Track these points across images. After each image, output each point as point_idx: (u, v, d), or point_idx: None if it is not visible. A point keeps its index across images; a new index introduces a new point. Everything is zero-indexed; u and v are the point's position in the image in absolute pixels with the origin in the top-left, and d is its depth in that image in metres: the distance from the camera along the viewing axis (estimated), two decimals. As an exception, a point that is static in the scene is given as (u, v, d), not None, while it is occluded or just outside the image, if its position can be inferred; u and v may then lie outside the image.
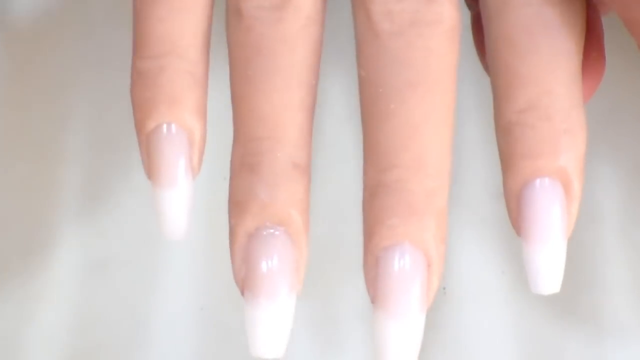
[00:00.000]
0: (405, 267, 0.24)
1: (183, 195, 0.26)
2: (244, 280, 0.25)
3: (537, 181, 0.25)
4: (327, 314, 0.36)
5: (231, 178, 0.26)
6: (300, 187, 0.25)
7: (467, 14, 0.29)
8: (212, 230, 0.36)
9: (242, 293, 0.25)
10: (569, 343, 0.36)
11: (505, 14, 0.26)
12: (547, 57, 0.25)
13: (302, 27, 0.26)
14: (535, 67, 0.25)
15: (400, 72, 0.25)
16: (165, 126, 0.26)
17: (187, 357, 0.37)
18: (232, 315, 0.37)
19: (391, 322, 0.24)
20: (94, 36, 0.39)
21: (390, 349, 0.25)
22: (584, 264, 0.36)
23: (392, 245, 0.25)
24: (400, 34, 0.25)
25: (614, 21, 0.28)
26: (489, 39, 0.26)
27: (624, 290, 0.36)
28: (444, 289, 0.36)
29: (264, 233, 0.25)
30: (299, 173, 0.25)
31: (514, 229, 0.26)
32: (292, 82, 0.26)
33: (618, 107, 0.36)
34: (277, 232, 0.25)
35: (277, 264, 0.25)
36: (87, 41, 0.39)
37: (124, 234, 0.38)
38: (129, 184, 0.38)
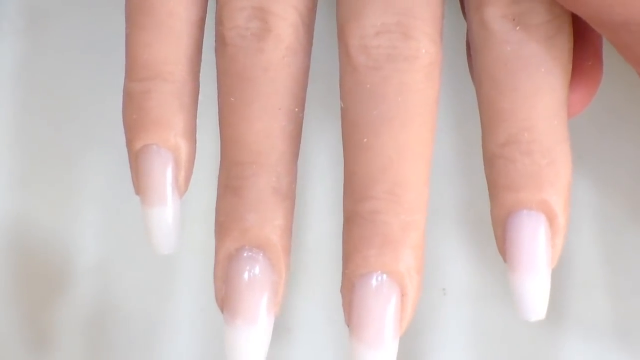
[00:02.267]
0: (379, 295, 0.25)
1: (169, 213, 0.27)
2: (223, 300, 0.26)
3: (523, 212, 0.26)
4: (320, 307, 0.37)
5: (217, 199, 0.26)
6: (280, 211, 0.26)
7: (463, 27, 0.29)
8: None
9: (222, 312, 0.26)
10: (568, 343, 0.36)
11: (487, 50, 0.26)
12: (528, 94, 0.26)
13: (283, 57, 0.26)
14: (516, 103, 0.26)
15: (375, 106, 0.25)
16: (153, 147, 0.27)
17: (187, 357, 0.37)
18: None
19: (364, 348, 0.25)
20: (98, 33, 0.39)
21: None
22: (581, 264, 0.36)
23: (367, 273, 0.25)
24: (376, 69, 0.25)
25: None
26: (474, 71, 0.27)
27: (618, 292, 0.36)
28: (444, 289, 0.36)
29: (244, 255, 0.26)
30: (279, 198, 0.26)
31: (501, 255, 0.26)
32: (273, 110, 0.26)
33: (615, 107, 0.36)
34: (256, 255, 0.26)
35: (255, 286, 0.25)
36: (89, 38, 0.39)
37: (125, 235, 0.38)
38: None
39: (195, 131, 0.28)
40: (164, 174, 0.27)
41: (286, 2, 0.26)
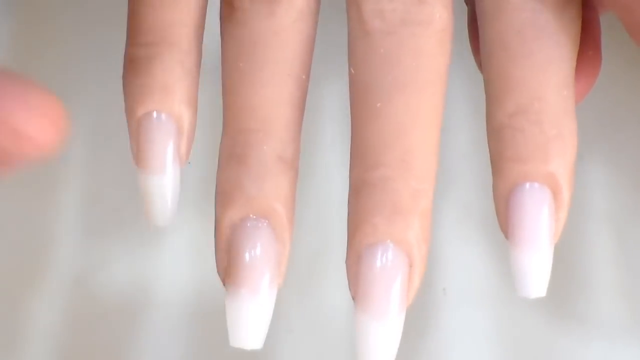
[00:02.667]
0: (387, 265, 0.24)
1: (169, 182, 0.26)
2: (226, 270, 0.25)
3: (526, 185, 0.25)
4: (321, 309, 0.37)
5: (219, 168, 0.26)
6: (285, 181, 0.25)
7: (463, 11, 0.29)
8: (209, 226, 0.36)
9: (224, 283, 0.25)
10: (569, 343, 0.36)
11: (500, 17, 0.26)
12: (540, 63, 0.25)
13: (294, 22, 0.26)
14: (527, 71, 0.25)
15: (389, 71, 0.25)
16: (154, 114, 0.26)
17: (184, 356, 0.37)
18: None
19: (370, 320, 0.25)
20: (96, 34, 0.39)
21: (369, 347, 0.25)
22: (584, 264, 0.36)
23: (375, 243, 0.25)
24: (391, 33, 0.25)
25: (613, 20, 0.28)
26: (483, 40, 0.26)
27: (620, 291, 0.36)
28: (444, 289, 0.36)
29: (248, 225, 0.25)
30: (285, 167, 0.25)
31: (502, 231, 0.26)
32: (283, 76, 0.26)
33: (617, 106, 0.36)
34: (260, 225, 0.25)
35: (259, 256, 0.25)
36: (89, 39, 0.39)
37: (123, 234, 0.38)
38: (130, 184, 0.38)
39: (197, 99, 0.27)
40: (166, 142, 0.26)
41: None
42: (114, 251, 0.37)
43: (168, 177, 0.26)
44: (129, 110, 0.27)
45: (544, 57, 0.25)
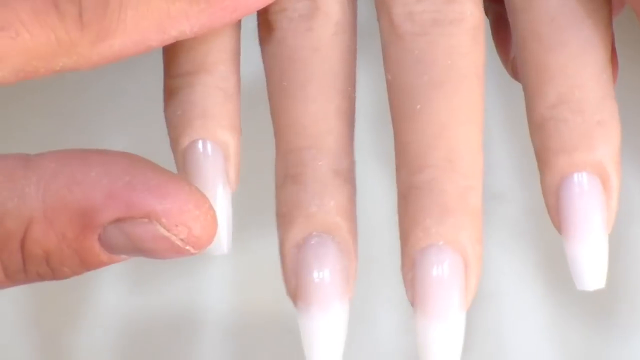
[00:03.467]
0: (442, 268, 0.24)
1: (222, 210, 0.26)
2: (296, 291, 0.25)
3: (575, 176, 0.25)
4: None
5: (277, 191, 0.26)
6: (344, 194, 0.25)
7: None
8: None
9: (295, 304, 0.25)
10: (569, 344, 0.36)
11: (531, 8, 0.26)
12: (576, 50, 0.25)
13: (333, 35, 0.26)
14: (565, 60, 0.25)
15: (424, 71, 0.25)
16: (199, 142, 0.26)
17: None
18: (231, 317, 0.37)
19: (432, 324, 0.24)
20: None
21: (432, 350, 0.25)
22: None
23: (428, 246, 0.24)
24: (422, 35, 0.25)
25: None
26: (516, 35, 0.26)
27: (624, 293, 0.36)
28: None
29: (312, 242, 0.25)
30: (341, 180, 0.25)
31: (554, 226, 0.26)
32: (328, 90, 0.26)
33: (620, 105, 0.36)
34: (325, 241, 0.25)
35: (327, 273, 0.25)
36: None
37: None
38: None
39: (240, 123, 0.27)
40: (214, 171, 0.26)
41: None
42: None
43: (220, 204, 0.26)
44: (173, 142, 0.26)
45: (579, 43, 0.25)
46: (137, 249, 0.24)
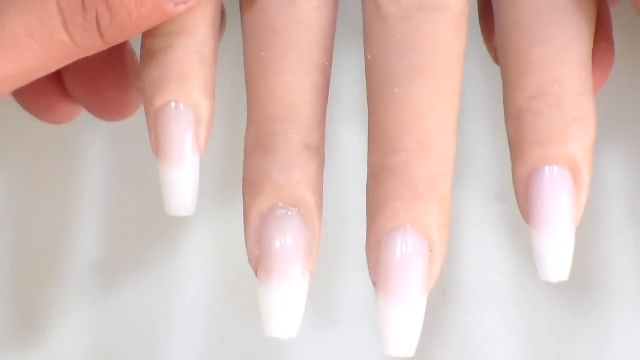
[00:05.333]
0: (407, 250, 0.25)
1: (189, 172, 0.26)
2: (258, 260, 0.25)
3: (546, 169, 0.25)
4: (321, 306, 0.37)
5: (246, 158, 0.26)
6: (313, 168, 0.25)
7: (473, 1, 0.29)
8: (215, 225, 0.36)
9: (256, 273, 0.25)
10: (569, 342, 0.36)
11: (518, 0, 0.26)
12: (559, 44, 0.25)
13: (316, 9, 0.26)
14: (546, 54, 0.25)
15: (405, 56, 0.25)
16: (173, 104, 0.26)
17: (189, 354, 0.37)
18: (232, 313, 0.37)
19: (393, 305, 0.25)
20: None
21: (392, 331, 0.25)
22: (587, 266, 0.36)
23: (395, 228, 0.25)
24: (406, 18, 0.25)
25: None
26: (499, 24, 0.26)
27: (624, 294, 0.36)
28: (444, 289, 0.36)
29: (277, 213, 0.25)
30: (312, 154, 0.25)
31: (523, 216, 0.26)
32: (306, 63, 0.26)
33: (617, 109, 0.36)
34: (290, 213, 0.25)
35: (290, 244, 0.25)
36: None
37: (126, 232, 0.38)
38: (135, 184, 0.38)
39: (215, 88, 0.27)
40: (185, 133, 0.26)
41: None
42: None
43: (188, 167, 0.26)
44: (147, 102, 0.27)
45: (563, 39, 0.25)
46: None
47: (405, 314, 0.25)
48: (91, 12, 0.24)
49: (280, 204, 0.25)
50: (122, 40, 0.25)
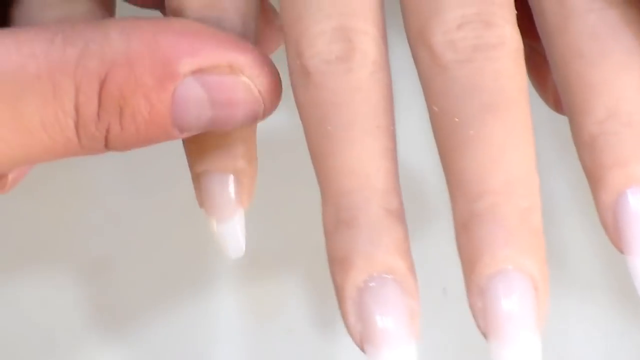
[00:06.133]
0: (513, 292, 0.24)
1: (234, 226, 0.29)
2: (362, 335, 0.24)
3: (631, 191, 0.25)
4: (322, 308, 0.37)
5: (328, 237, 0.25)
6: (398, 233, 0.25)
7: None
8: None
9: (362, 348, 0.25)
10: (569, 342, 0.36)
11: (569, 24, 0.25)
12: (620, 60, 0.25)
13: (372, 73, 0.25)
14: (609, 73, 0.25)
15: (473, 97, 0.25)
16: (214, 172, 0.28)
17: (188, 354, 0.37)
18: (224, 313, 0.37)
19: (508, 351, 0.24)
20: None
21: None
22: (588, 266, 0.36)
23: (496, 272, 0.24)
24: (467, 61, 0.25)
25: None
26: (554, 55, 0.26)
27: (624, 294, 0.36)
28: (444, 289, 0.36)
29: (373, 285, 0.24)
30: (395, 219, 0.25)
31: (613, 244, 0.25)
32: (372, 130, 0.25)
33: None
34: (385, 282, 0.24)
35: (391, 315, 0.24)
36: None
37: (125, 234, 0.38)
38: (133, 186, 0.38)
39: (256, 149, 0.28)
40: (227, 196, 0.28)
41: (365, 17, 0.26)
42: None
43: (231, 222, 0.29)
44: (190, 166, 0.28)
45: (622, 54, 0.25)
46: (214, 105, 0.25)
47: (521, 356, 0.24)
48: (104, 123, 0.25)
49: (374, 274, 0.24)
50: (120, 151, 0.26)
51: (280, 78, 0.26)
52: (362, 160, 0.25)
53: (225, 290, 0.38)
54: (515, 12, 0.25)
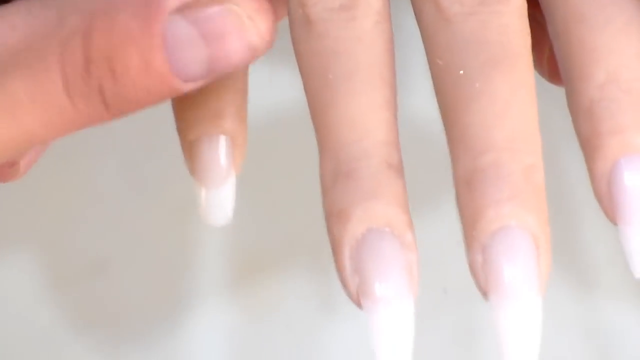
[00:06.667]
0: (516, 248, 0.24)
1: (227, 192, 0.28)
2: (359, 289, 0.24)
3: (628, 159, 0.24)
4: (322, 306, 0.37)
5: (326, 191, 0.25)
6: (399, 186, 0.24)
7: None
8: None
9: (359, 303, 0.24)
10: (569, 342, 0.36)
11: None
12: (621, 26, 0.25)
13: (375, 24, 0.25)
14: (611, 38, 0.25)
15: (480, 50, 0.24)
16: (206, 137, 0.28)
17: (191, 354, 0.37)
18: (224, 313, 0.37)
19: (509, 307, 0.24)
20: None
21: (512, 337, 0.24)
22: (588, 266, 0.36)
23: (499, 228, 0.24)
24: (473, 14, 0.25)
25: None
26: (556, 20, 0.26)
27: (625, 294, 0.36)
28: (445, 289, 0.36)
29: (371, 237, 0.24)
30: (395, 172, 0.24)
31: (607, 214, 0.25)
32: (375, 81, 0.25)
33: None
34: (384, 234, 0.24)
35: (389, 268, 0.24)
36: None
37: (124, 233, 0.38)
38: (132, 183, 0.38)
39: (247, 110, 0.28)
40: (220, 160, 0.28)
41: None
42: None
43: (225, 187, 0.28)
44: (180, 133, 0.28)
45: (623, 21, 0.25)
46: (207, 40, 0.23)
47: (523, 315, 0.24)
48: (94, 78, 0.23)
49: (373, 226, 0.24)
50: (128, 113, 0.24)
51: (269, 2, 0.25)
52: (363, 111, 0.24)
53: (225, 287, 0.38)
54: None
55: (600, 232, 0.37)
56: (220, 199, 0.28)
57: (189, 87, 0.24)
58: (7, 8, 0.24)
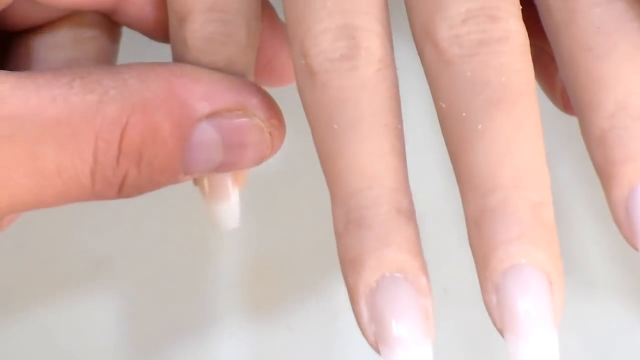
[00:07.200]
0: (528, 286, 0.24)
1: (232, 205, 0.29)
2: (377, 336, 0.24)
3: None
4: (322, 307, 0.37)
5: (339, 238, 0.25)
6: (410, 232, 0.25)
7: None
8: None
9: (377, 349, 0.24)
10: (570, 341, 0.36)
11: (575, 19, 0.25)
12: (626, 54, 0.25)
13: (378, 71, 0.25)
14: (617, 65, 0.25)
15: (481, 91, 0.24)
16: None
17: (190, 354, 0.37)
18: (226, 315, 0.37)
19: (524, 345, 0.24)
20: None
21: None
22: (589, 266, 0.36)
23: (510, 267, 0.24)
24: (472, 55, 0.25)
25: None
26: (561, 51, 0.26)
27: (625, 293, 0.36)
28: (445, 289, 0.36)
29: (385, 284, 0.24)
30: (405, 218, 0.25)
31: (627, 240, 0.25)
32: (380, 128, 0.25)
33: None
34: (398, 281, 0.24)
35: (405, 313, 0.24)
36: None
37: (125, 233, 0.38)
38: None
39: None
40: (222, 176, 0.28)
41: (369, 14, 0.25)
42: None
43: (230, 202, 0.29)
44: None
45: (628, 48, 0.25)
46: (226, 148, 0.25)
47: (539, 351, 0.24)
48: (122, 170, 0.25)
49: (386, 274, 0.24)
50: (129, 197, 0.26)
51: (284, 118, 0.27)
52: (370, 159, 0.25)
53: (227, 288, 0.38)
54: (520, 6, 0.25)
55: (600, 232, 0.37)
56: (224, 211, 0.29)
57: (186, 179, 0.26)
58: (47, 76, 0.25)
